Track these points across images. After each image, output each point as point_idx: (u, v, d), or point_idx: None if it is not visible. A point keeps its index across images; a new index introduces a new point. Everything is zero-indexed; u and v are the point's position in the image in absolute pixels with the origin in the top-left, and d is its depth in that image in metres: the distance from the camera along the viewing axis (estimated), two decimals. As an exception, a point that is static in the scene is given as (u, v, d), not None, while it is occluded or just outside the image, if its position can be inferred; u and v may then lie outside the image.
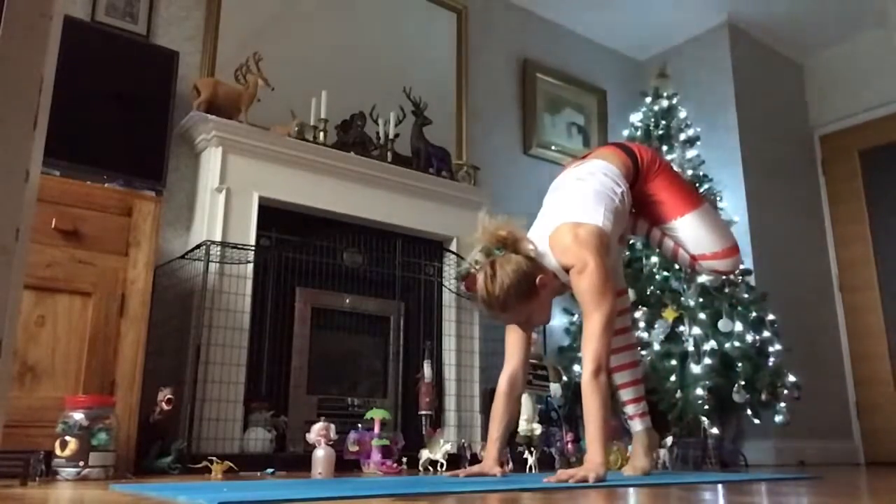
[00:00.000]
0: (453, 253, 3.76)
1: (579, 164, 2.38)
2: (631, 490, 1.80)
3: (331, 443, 2.41)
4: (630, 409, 2.50)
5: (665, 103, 4.42)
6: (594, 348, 1.98)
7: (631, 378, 2.49)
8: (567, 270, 2.09)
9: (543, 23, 4.90)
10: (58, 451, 2.11)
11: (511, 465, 2.80)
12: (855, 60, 5.11)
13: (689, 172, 4.19)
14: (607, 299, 2.01)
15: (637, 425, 2.48)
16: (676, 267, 3.87)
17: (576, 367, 3.76)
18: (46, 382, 2.30)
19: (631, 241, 4.10)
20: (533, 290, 2.05)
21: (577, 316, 4.11)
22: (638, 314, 3.85)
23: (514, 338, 2.27)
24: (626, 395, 2.49)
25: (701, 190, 4.17)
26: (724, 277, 3.51)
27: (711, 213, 2.43)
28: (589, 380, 1.95)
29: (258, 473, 2.42)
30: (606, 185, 2.21)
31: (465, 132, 4.21)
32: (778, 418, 3.75)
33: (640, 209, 2.43)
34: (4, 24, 0.73)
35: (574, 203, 2.18)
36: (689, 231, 2.33)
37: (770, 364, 3.74)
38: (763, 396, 3.63)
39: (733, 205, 4.41)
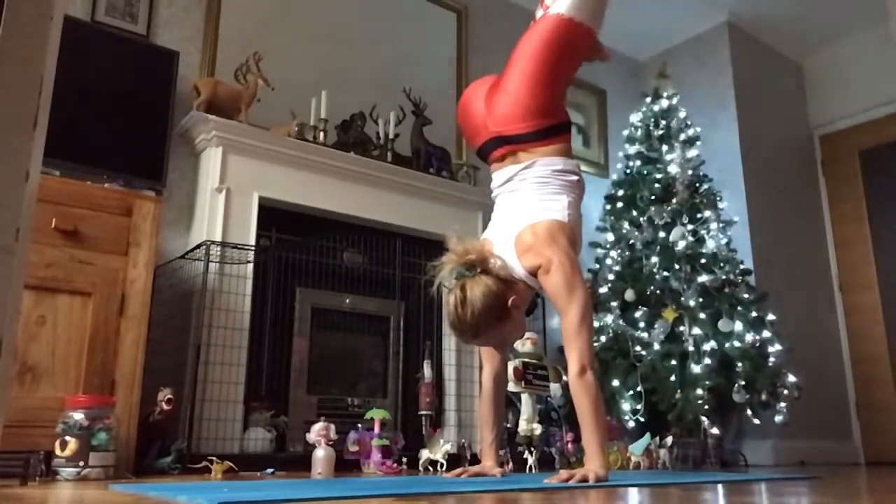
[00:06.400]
0: (453, 253, 3.75)
1: (520, 164, 2.18)
2: (631, 490, 1.80)
3: (331, 443, 2.41)
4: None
5: (665, 103, 4.42)
6: (576, 347, 1.94)
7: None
8: (535, 273, 2.02)
9: (543, 23, 4.89)
10: (58, 451, 2.11)
11: (511, 465, 2.80)
12: (855, 60, 5.11)
13: (690, 172, 4.19)
14: (579, 292, 1.96)
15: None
16: (676, 267, 3.87)
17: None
18: (46, 382, 2.30)
19: (631, 242, 4.10)
20: (505, 312, 1.99)
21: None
22: (638, 314, 3.85)
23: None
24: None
25: (701, 190, 4.18)
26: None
27: None
28: (575, 380, 1.92)
29: (258, 473, 2.42)
30: (561, 180, 2.14)
31: (465, 132, 4.21)
32: (778, 418, 3.75)
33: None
34: (4, 24, 0.73)
35: (532, 202, 2.11)
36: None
37: (770, 364, 3.74)
38: (763, 396, 3.64)
39: (733, 205, 4.41)
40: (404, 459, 2.75)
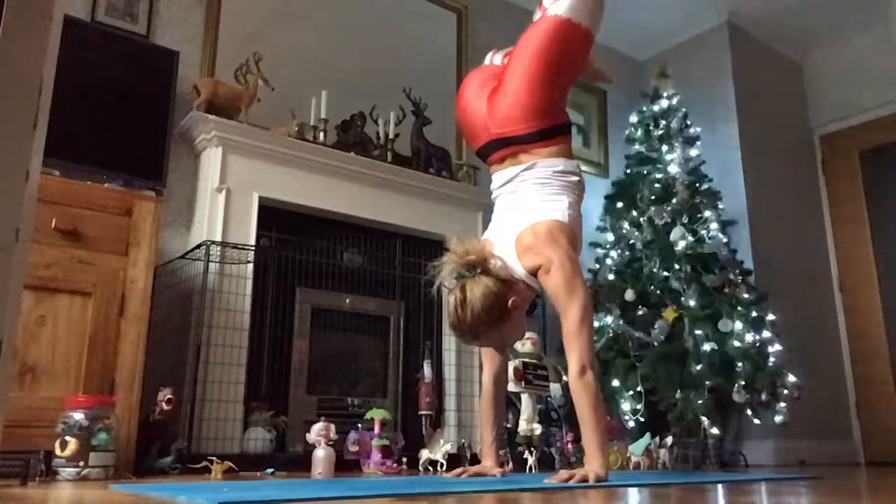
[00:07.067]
0: (453, 253, 3.75)
1: (520, 165, 2.19)
2: (631, 490, 1.80)
3: (331, 443, 2.41)
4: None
5: (665, 103, 4.42)
6: (576, 347, 1.95)
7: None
8: (535, 273, 2.03)
9: (543, 23, 4.89)
10: (58, 451, 2.11)
11: (511, 465, 2.80)
12: (855, 60, 5.11)
13: (689, 172, 4.19)
14: (579, 291, 1.97)
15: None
16: (676, 267, 3.87)
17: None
18: (46, 382, 2.30)
19: (631, 242, 4.10)
20: (505, 313, 2.00)
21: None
22: (638, 314, 3.85)
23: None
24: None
25: (701, 190, 4.18)
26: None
27: None
28: (575, 380, 1.92)
29: (258, 473, 2.42)
30: (562, 181, 2.14)
31: (465, 132, 4.21)
32: (778, 418, 3.75)
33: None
34: (4, 24, 0.73)
35: (532, 203, 2.11)
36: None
37: (770, 364, 3.74)
38: (763, 396, 3.63)
39: (733, 205, 4.41)
40: (404, 459, 2.75)
